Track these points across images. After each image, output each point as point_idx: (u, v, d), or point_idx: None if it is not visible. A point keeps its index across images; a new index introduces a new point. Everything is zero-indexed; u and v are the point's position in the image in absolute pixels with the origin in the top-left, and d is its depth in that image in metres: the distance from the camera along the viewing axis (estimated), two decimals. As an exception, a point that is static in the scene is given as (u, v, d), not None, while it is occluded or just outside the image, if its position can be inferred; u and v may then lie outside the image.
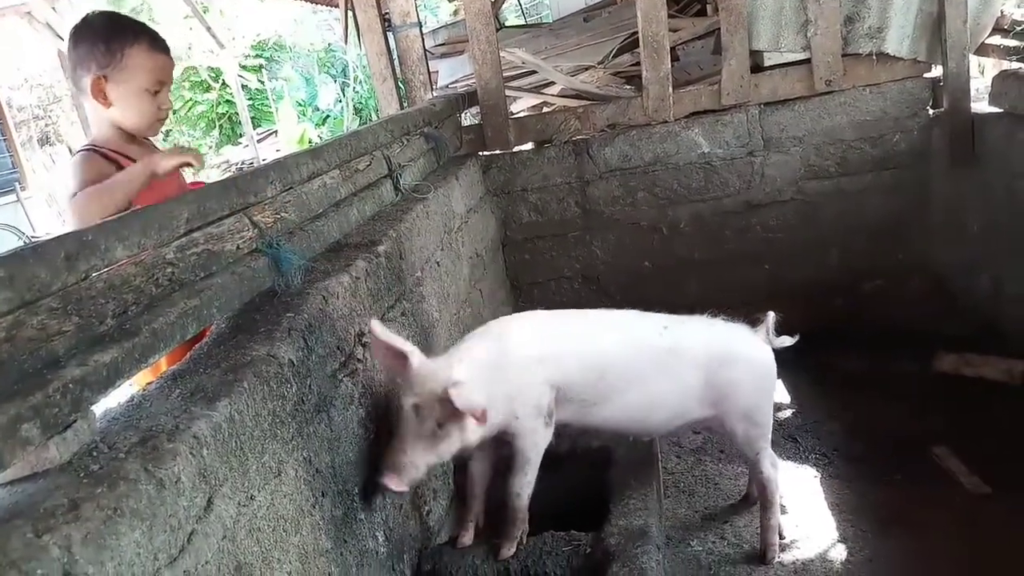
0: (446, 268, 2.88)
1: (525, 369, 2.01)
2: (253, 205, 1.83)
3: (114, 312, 1.27)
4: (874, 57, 3.69)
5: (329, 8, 8.44)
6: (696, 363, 2.20)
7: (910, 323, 3.60)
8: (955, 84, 3.56)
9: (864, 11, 3.64)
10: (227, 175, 1.94)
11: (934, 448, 2.84)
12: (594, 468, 2.47)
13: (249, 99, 12.43)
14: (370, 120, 10.47)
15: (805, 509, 2.67)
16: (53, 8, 8.93)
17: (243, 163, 10.85)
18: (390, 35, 3.94)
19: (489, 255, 3.74)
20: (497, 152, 3.98)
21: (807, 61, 3.73)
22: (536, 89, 4.83)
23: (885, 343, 3.42)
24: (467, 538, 2.15)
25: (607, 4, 5.93)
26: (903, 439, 2.92)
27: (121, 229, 1.35)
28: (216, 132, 13.16)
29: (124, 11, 11.57)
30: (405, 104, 3.96)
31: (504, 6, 7.81)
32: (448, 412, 1.82)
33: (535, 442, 2.06)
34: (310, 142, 10.47)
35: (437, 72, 5.55)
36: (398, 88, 3.99)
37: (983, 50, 3.76)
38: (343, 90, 12.84)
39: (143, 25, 2.08)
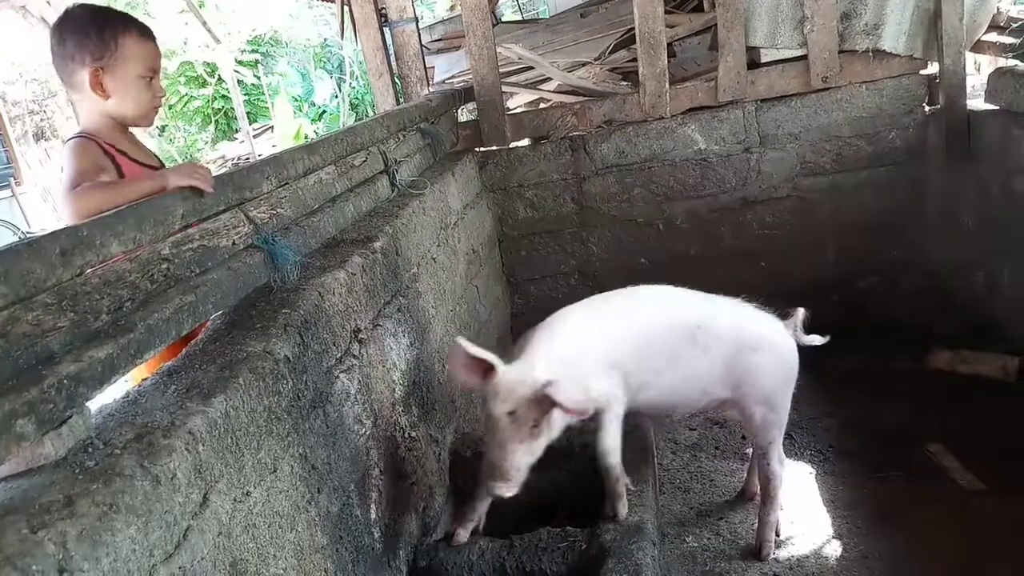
0: (442, 264, 2.87)
1: (592, 360, 2.10)
2: (249, 201, 1.82)
3: (109, 308, 1.26)
4: (870, 54, 3.70)
5: (325, 3, 8.42)
6: (725, 343, 2.27)
7: (905, 320, 3.61)
8: (951, 81, 3.56)
9: (861, 7, 3.64)
10: (223, 170, 1.92)
11: (929, 445, 2.84)
12: (590, 464, 2.46)
13: (245, 94, 12.38)
14: (366, 116, 10.45)
15: (800, 505, 2.68)
16: (48, 2, 8.89)
17: (239, 158, 10.83)
18: (386, 30, 3.93)
19: (485, 251, 3.74)
20: (493, 148, 3.98)
21: (804, 58, 3.74)
22: (533, 85, 4.82)
23: (880, 340, 3.42)
24: (464, 535, 2.15)
25: (604, 0, 5.92)
26: (898, 436, 2.92)
27: (116, 224, 1.35)
28: (212, 127, 13.12)
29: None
30: (401, 100, 3.96)
31: (501, 2, 7.80)
32: (542, 412, 1.92)
33: (617, 413, 2.17)
34: (306, 138, 10.45)
35: (433, 68, 5.54)
36: (394, 84, 3.98)
37: (979, 47, 3.76)
38: (339, 85, 12.81)
39: (126, 14, 2.07)
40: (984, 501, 2.53)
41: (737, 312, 2.36)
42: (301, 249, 1.95)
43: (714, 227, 3.96)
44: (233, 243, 1.71)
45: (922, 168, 3.79)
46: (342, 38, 5.45)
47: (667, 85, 3.80)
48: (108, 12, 2.00)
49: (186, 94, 13.03)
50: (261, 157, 2.10)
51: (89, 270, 1.25)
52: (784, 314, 2.42)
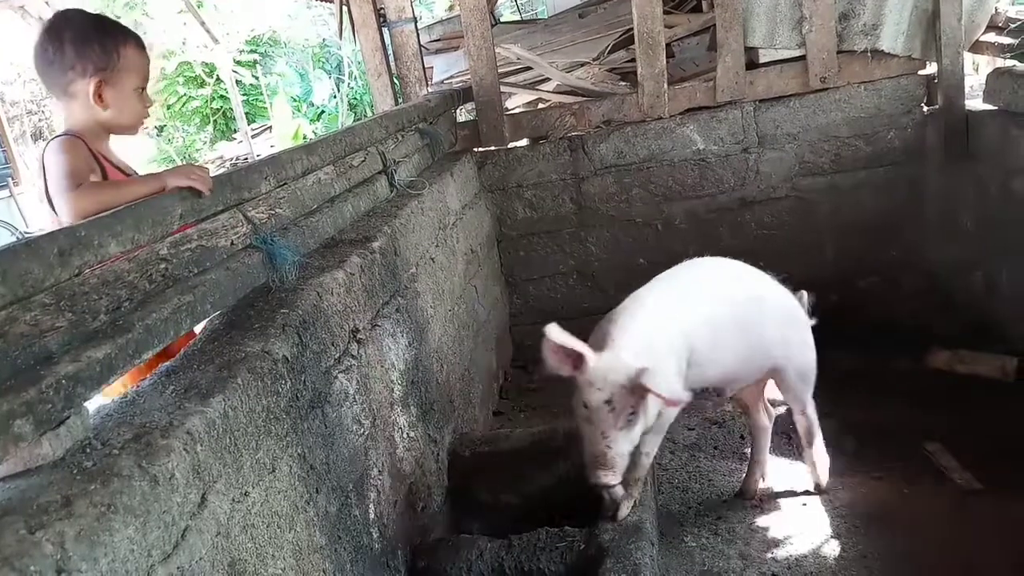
0: (441, 264, 2.87)
1: (672, 343, 2.15)
2: (247, 201, 1.82)
3: (107, 308, 1.26)
4: (869, 54, 3.70)
5: (324, 3, 8.42)
6: (777, 315, 2.43)
7: (904, 320, 3.61)
8: (950, 81, 3.57)
9: (859, 8, 3.65)
10: (221, 171, 1.92)
11: (927, 444, 2.84)
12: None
13: (243, 94, 12.38)
14: (365, 116, 10.45)
15: (798, 505, 2.68)
16: (46, 2, 8.89)
17: (237, 159, 10.82)
18: (385, 30, 3.94)
19: (484, 251, 3.74)
20: (492, 148, 3.98)
21: (802, 58, 3.74)
22: (531, 85, 4.83)
23: (879, 340, 3.42)
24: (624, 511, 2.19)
25: (603, 0, 5.92)
26: (896, 435, 2.92)
27: (114, 225, 1.35)
28: (210, 127, 13.10)
29: (119, 6, 11.53)
30: (400, 100, 3.96)
31: (500, 2, 7.80)
32: (638, 399, 1.95)
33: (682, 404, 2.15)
34: (304, 138, 10.44)
35: (432, 68, 5.54)
36: (393, 84, 3.98)
37: (977, 47, 3.77)
38: (338, 86, 12.80)
39: (123, 25, 2.06)
40: (982, 501, 2.53)
41: (776, 285, 2.51)
42: (299, 249, 1.95)
43: (712, 227, 3.96)
44: (231, 243, 1.71)
45: (920, 168, 3.80)
46: (340, 38, 5.46)
47: (665, 85, 3.80)
48: (108, 21, 1.99)
49: (184, 94, 13.02)
50: (259, 157, 2.10)
51: (87, 270, 1.25)
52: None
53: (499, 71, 3.99)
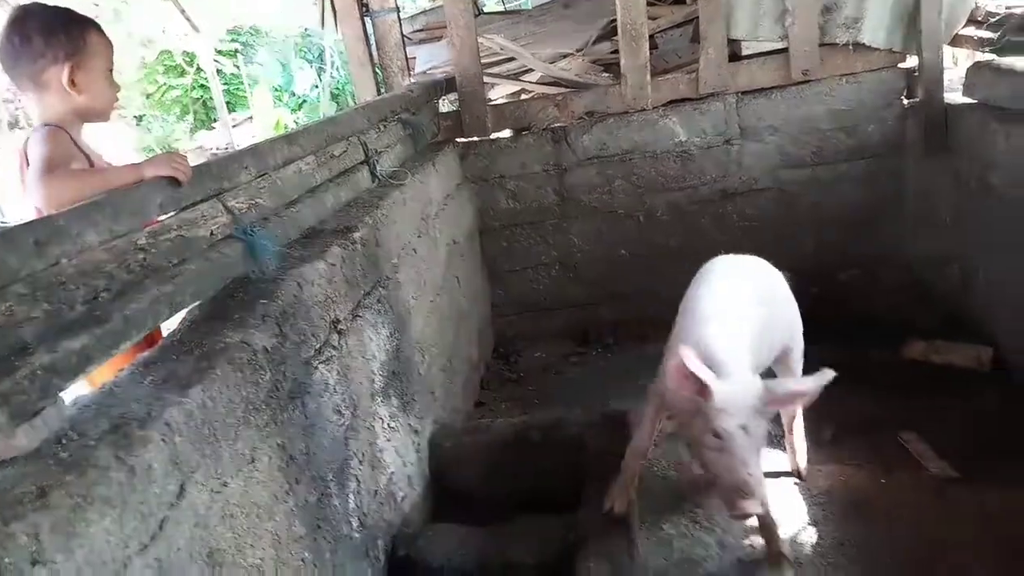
0: (423, 255, 2.87)
1: (753, 348, 2.14)
2: (227, 191, 1.82)
3: (84, 298, 1.26)
4: (851, 47, 3.72)
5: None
6: (787, 298, 2.51)
7: (883, 312, 3.64)
8: (930, 75, 3.59)
9: (841, 1, 3.67)
10: (201, 160, 1.91)
11: (903, 434, 2.88)
12: (568, 453, 2.48)
13: (224, 84, 12.27)
14: (347, 106, 10.39)
15: (776, 492, 2.70)
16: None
17: (218, 149, 10.74)
18: (367, 20, 3.91)
19: (466, 242, 3.74)
20: (475, 139, 3.97)
21: (784, 50, 3.75)
22: (514, 76, 4.81)
23: (859, 331, 3.45)
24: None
25: (586, -9, 5.91)
26: (872, 424, 2.95)
27: (93, 214, 1.34)
28: (190, 117, 12.99)
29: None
30: (382, 90, 3.94)
31: (483, -8, 7.77)
32: (768, 419, 1.92)
33: None
34: (286, 128, 10.38)
35: (415, 58, 5.51)
36: (375, 74, 3.96)
37: (957, 41, 3.80)
38: (319, 75, 12.72)
39: (81, 12, 2.05)
40: (958, 489, 2.57)
41: (780, 275, 2.58)
42: (280, 239, 1.95)
43: (695, 219, 3.98)
44: (211, 233, 1.71)
45: (900, 161, 3.83)
46: (323, 28, 5.42)
47: (648, 77, 3.81)
48: (68, 10, 1.99)
49: (164, 83, 12.89)
50: (240, 147, 2.08)
51: (64, 260, 1.25)
52: None
53: (482, 61, 3.98)
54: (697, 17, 3.81)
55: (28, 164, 1.79)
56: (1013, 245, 3.09)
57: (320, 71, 12.80)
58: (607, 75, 4.49)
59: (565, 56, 4.76)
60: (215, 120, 12.14)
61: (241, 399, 1.45)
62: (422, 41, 5.95)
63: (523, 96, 4.61)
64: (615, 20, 3.90)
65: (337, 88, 12.63)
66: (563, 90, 4.21)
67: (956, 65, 4.56)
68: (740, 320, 2.17)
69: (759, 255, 3.98)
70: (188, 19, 10.22)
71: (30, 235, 1.17)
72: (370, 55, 3.93)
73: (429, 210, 3.09)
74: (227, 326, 1.56)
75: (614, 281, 4.08)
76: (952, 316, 3.61)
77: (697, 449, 1.98)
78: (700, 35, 3.76)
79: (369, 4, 3.83)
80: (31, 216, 1.70)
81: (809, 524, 2.53)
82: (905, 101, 3.78)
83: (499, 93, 4.93)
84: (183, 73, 12.80)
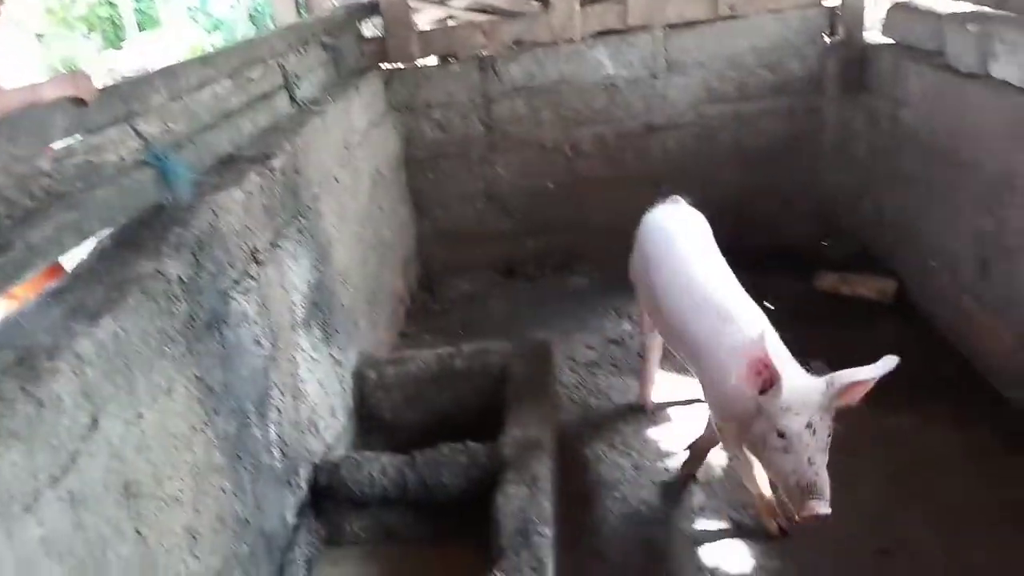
0: (345, 185, 2.82)
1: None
2: (138, 115, 1.74)
3: (-18, 225, 1.20)
4: (776, -17, 3.74)
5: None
6: None
7: (797, 244, 3.77)
8: (851, 13, 3.65)
9: (767, -65, 3.67)
10: (110, 82, 1.82)
11: (811, 362, 3.00)
12: (491, 383, 2.53)
13: (135, 1, 11.61)
14: (266, 28, 9.97)
15: (689, 417, 2.82)
16: None
17: (127, 71, 10.20)
18: (286, -64, 3.74)
19: (391, 172, 3.69)
20: (400, 66, 3.88)
21: (713, -16, 3.75)
22: (441, 1, 4.69)
23: (772, 262, 3.56)
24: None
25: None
26: (784, 354, 3.08)
27: (-13, 137, 1.27)
28: (98, 36, 12.26)
29: None
30: (303, 12, 3.79)
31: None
32: (831, 416, 1.87)
33: None
34: (201, 50, 9.91)
35: (338, -22, 5.31)
36: (295, -6, 3.81)
37: (879, -20, 3.86)
38: (237, -6, 12.14)
39: None
40: (860, 415, 2.71)
41: None
42: (195, 166, 1.89)
43: (620, 152, 4.01)
44: (121, 159, 1.65)
45: (820, 98, 3.91)
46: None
47: (577, 6, 3.76)
48: None
49: (68, -3, 12.09)
50: (152, 69, 1.99)
51: (-42, 185, 1.19)
52: None
53: (407, -15, 3.86)
54: (627, -54, 3.76)
55: None
56: (918, 183, 3.22)
57: (238, -10, 12.20)
58: (536, 3, 4.42)
59: (493, -18, 4.65)
60: (124, 40, 11.50)
61: (156, 329, 1.42)
62: (345, -39, 5.72)
63: (450, 23, 4.50)
64: (544, -54, 3.82)
65: (256, 10, 12.08)
66: (491, 17, 4.12)
67: (877, 5, 4.65)
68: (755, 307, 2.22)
69: (682, 188, 4.06)
70: (93, -73, 9.54)
71: (-80, 158, 1.11)
72: (290, -26, 3.77)
73: (352, 138, 3.02)
74: (140, 255, 1.52)
75: (540, 213, 4.10)
76: (863, 250, 3.76)
77: (760, 450, 1.94)
78: (629, -35, 3.72)
79: (288, -81, 3.66)
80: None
81: (719, 447, 2.65)
82: (827, 39, 3.84)
83: (425, 19, 4.80)
84: (89, -14, 12.03)
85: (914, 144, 3.23)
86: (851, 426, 2.63)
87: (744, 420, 1.96)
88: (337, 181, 2.72)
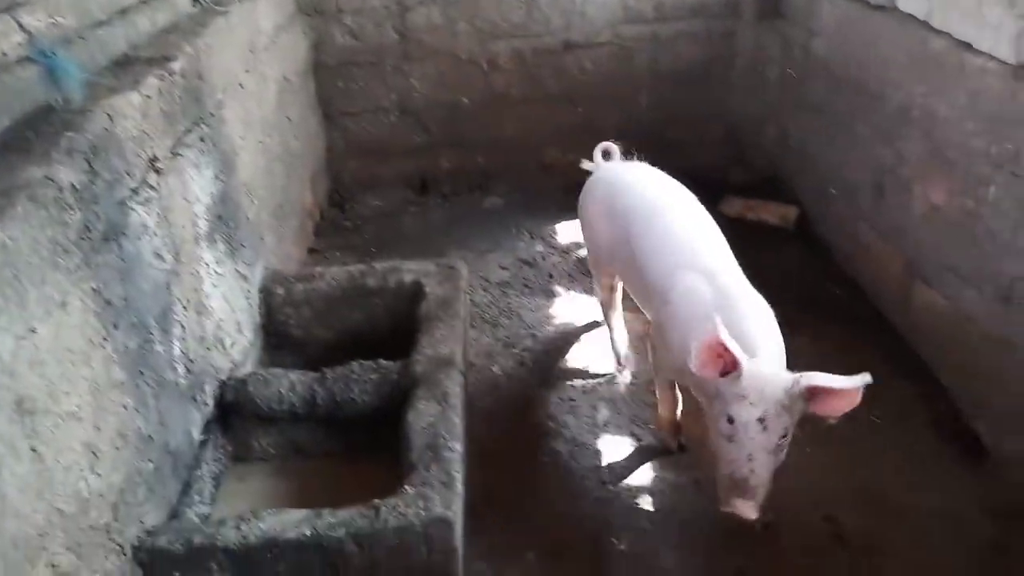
0: (251, 91, 2.69)
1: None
2: (21, 5, 1.61)
3: None
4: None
5: None
6: None
7: (705, 168, 3.84)
8: (769, -62, 3.65)
9: None
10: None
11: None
12: (403, 301, 2.52)
13: None
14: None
15: (597, 337, 2.89)
16: None
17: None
18: None
19: (299, 80, 3.53)
20: (310, -34, 3.68)
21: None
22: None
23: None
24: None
25: None
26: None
27: None
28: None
29: None
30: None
31: None
32: (792, 418, 1.69)
33: None
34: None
35: None
36: None
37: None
38: None
39: None
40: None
41: None
42: (87, 65, 1.76)
43: (536, 69, 3.95)
44: (3, 54, 1.52)
45: (736, 22, 3.92)
46: None
47: (496, -87, 3.63)
48: None
49: None
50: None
51: None
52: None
53: None
54: None
55: None
56: (824, 112, 3.31)
57: None
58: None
59: None
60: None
61: (47, 240, 1.34)
62: None
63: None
64: None
65: None
66: (407, -81, 3.93)
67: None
68: (747, 283, 2.04)
69: (596, 109, 4.05)
70: None
71: None
72: None
73: (258, 42, 2.87)
74: (28, 160, 1.42)
75: (455, 129, 4.03)
76: (769, 176, 3.86)
77: (710, 430, 1.84)
78: None
79: None
80: None
81: (633, 355, 2.74)
82: (745, -38, 3.84)
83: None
84: None
85: (824, 74, 3.30)
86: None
87: (703, 393, 1.89)
88: (242, 87, 2.59)
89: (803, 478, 2.16)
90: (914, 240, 2.68)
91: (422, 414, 1.95)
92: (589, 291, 3.17)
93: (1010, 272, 2.17)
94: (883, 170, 2.85)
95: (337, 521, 1.63)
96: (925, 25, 2.55)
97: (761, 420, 1.67)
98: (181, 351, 1.88)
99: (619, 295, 2.69)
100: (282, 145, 3.10)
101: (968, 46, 2.32)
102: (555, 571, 2.02)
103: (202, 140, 2.13)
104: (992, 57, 2.21)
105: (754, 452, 1.68)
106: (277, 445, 2.18)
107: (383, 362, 2.19)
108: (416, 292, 2.50)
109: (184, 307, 1.91)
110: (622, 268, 2.41)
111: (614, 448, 2.41)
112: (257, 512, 1.67)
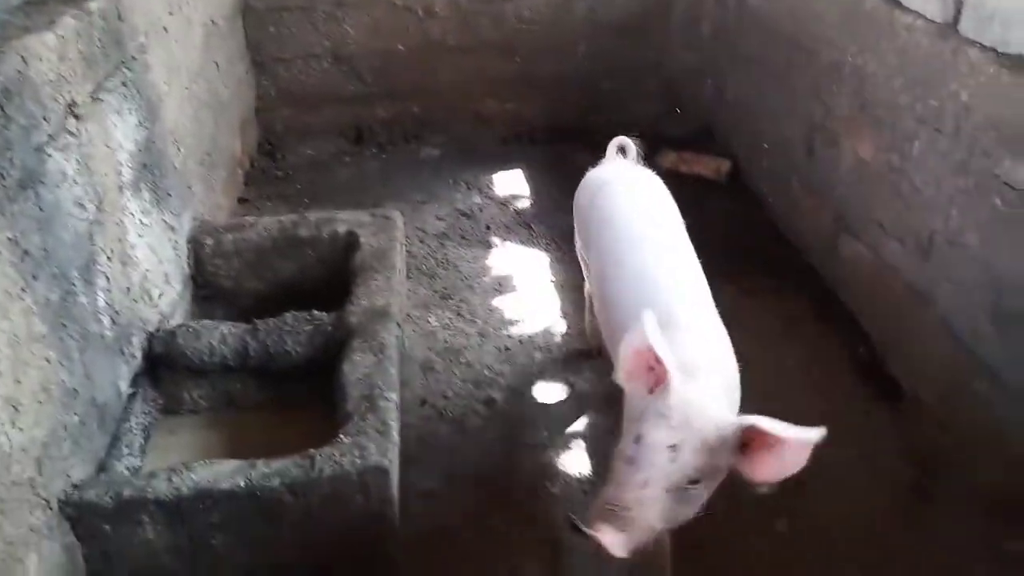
0: (175, 35, 2.59)
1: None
2: (-83, -65, 1.51)
3: None
4: None
5: None
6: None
7: (641, 121, 3.86)
8: None
9: None
10: None
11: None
12: (337, 252, 2.49)
13: None
14: None
15: (534, 288, 2.91)
16: None
17: None
18: None
19: (227, 24, 3.41)
20: (236, -97, 3.53)
21: None
22: None
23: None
24: None
25: None
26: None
27: None
28: None
29: None
30: None
31: None
32: (715, 465, 1.36)
33: None
34: None
35: None
36: None
37: None
38: None
39: None
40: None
41: None
42: (-5, 3, 1.67)
43: (473, 17, 3.88)
44: (-100, -12, 1.43)
45: (673, -26, 3.92)
46: None
47: None
48: None
49: None
50: None
51: None
52: None
53: None
54: None
55: None
56: (758, 66, 3.35)
57: None
58: None
59: None
60: None
61: (-43, 187, 1.29)
62: None
63: None
64: None
65: None
66: None
67: None
68: (709, 305, 1.75)
69: (533, 58, 4.01)
70: None
71: None
72: None
73: (182, -17, 2.76)
74: (-68, 102, 1.35)
75: (390, 78, 3.95)
76: (704, 129, 3.91)
77: (614, 456, 1.44)
78: None
79: None
80: None
81: (560, 316, 2.77)
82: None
83: None
84: None
85: (758, 27, 3.33)
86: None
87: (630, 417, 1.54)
88: (167, 31, 2.49)
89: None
90: (842, 194, 2.75)
91: (358, 365, 1.95)
92: (526, 242, 3.19)
93: (930, 226, 2.25)
94: (815, 125, 2.91)
95: (271, 471, 1.63)
96: (856, -20, 2.59)
97: (673, 447, 1.33)
98: (106, 303, 1.83)
99: None
100: (210, 92, 3.00)
101: (898, 3, 2.36)
102: (491, 517, 2.06)
103: (124, 85, 2.05)
104: (920, 15, 2.26)
105: (651, 480, 1.32)
106: (209, 397, 2.15)
107: (317, 313, 2.17)
108: (350, 243, 2.48)
109: (108, 258, 1.86)
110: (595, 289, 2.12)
111: (550, 395, 2.45)
112: (189, 464, 1.65)
